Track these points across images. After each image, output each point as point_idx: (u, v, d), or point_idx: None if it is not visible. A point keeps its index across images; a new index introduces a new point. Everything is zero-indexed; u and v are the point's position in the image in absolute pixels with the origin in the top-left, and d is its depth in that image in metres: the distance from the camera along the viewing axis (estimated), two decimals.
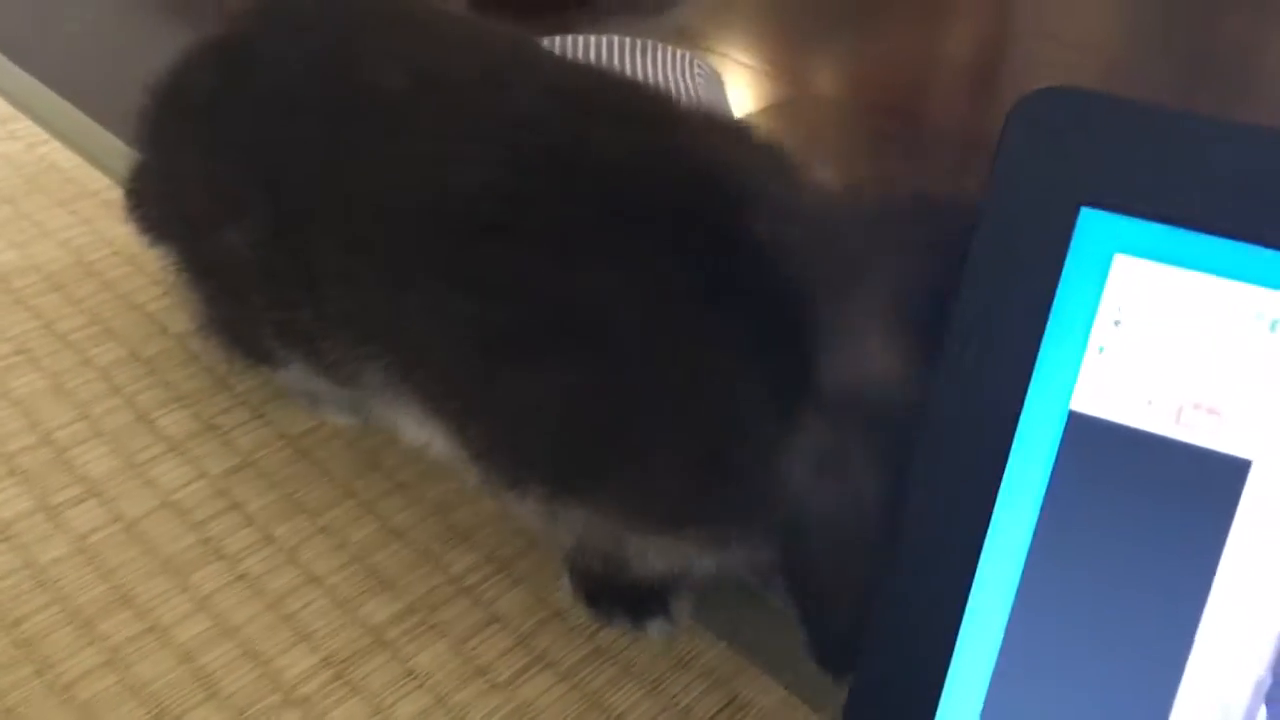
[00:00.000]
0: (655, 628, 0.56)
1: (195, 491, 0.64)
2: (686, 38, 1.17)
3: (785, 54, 1.20)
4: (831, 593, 0.45)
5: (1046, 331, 0.35)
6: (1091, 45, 1.21)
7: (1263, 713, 0.33)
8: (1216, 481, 0.34)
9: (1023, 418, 0.35)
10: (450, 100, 0.54)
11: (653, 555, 0.53)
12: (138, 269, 0.79)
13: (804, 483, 0.43)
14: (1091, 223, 0.34)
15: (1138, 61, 1.18)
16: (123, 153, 0.91)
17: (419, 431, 0.58)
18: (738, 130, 0.55)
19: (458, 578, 0.59)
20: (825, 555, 0.44)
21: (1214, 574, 0.34)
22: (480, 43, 0.59)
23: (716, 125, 0.54)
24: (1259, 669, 0.33)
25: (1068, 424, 0.35)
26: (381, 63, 0.56)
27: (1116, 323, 0.34)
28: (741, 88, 1.08)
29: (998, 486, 0.36)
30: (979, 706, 0.36)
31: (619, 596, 0.57)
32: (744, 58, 1.14)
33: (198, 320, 0.68)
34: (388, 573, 0.60)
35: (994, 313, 0.35)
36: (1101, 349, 0.34)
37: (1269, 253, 0.33)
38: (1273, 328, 0.33)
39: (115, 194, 0.87)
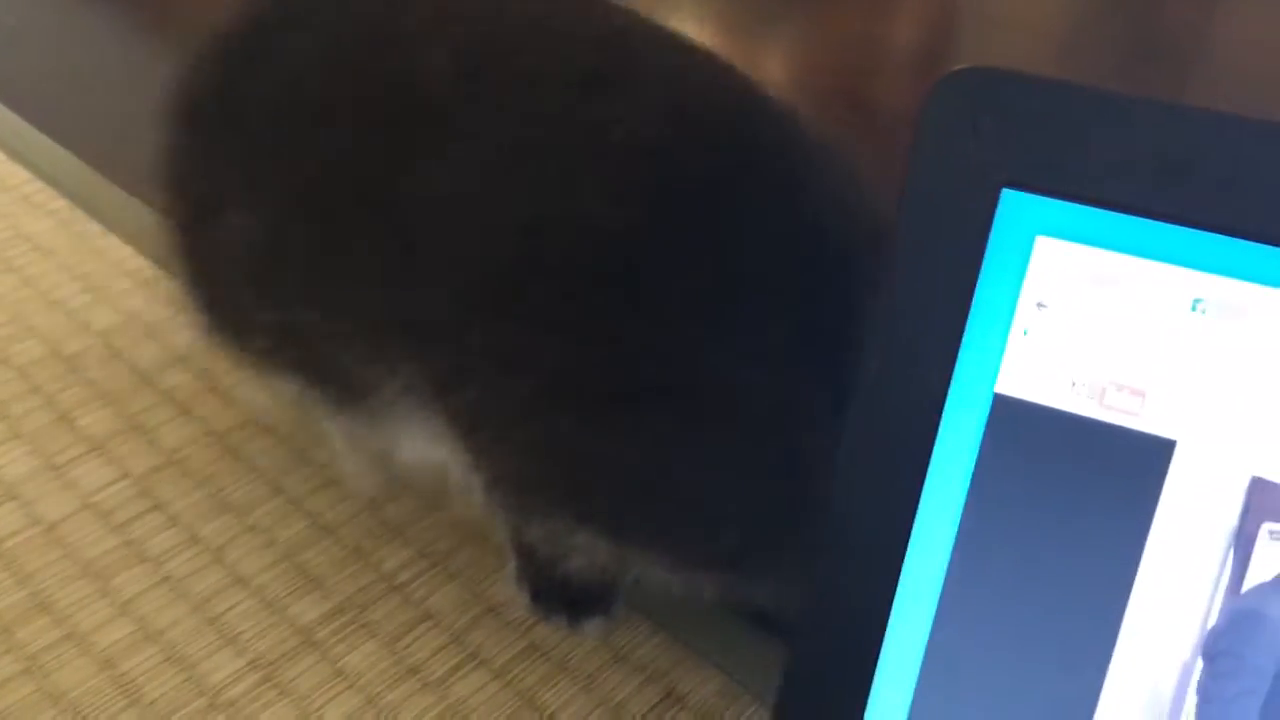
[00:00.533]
0: (592, 627, 0.55)
1: (117, 492, 0.62)
2: None
3: (730, 41, 1.19)
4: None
5: (970, 315, 0.34)
6: (1039, 29, 1.21)
7: (1191, 697, 0.33)
8: (1141, 462, 0.33)
9: (948, 402, 0.35)
10: (527, 96, 0.46)
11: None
12: (58, 264, 0.77)
13: None
14: (1013, 204, 0.34)
15: (1084, 45, 1.18)
16: (44, 147, 0.89)
17: (426, 450, 0.52)
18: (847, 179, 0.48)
19: (389, 575, 0.58)
20: None
21: (1140, 556, 0.33)
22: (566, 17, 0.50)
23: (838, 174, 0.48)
24: (1186, 652, 0.33)
25: (993, 407, 0.34)
26: (435, 42, 0.48)
27: (1040, 305, 0.34)
28: None
29: (925, 471, 0.35)
30: (910, 693, 0.36)
31: (562, 593, 0.56)
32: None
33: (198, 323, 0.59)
34: (317, 571, 0.58)
35: (918, 297, 0.35)
36: (1025, 331, 0.34)
37: (1191, 233, 0.32)
38: (1194, 307, 0.32)
39: (34, 188, 0.85)
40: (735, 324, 0.44)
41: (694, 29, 1.21)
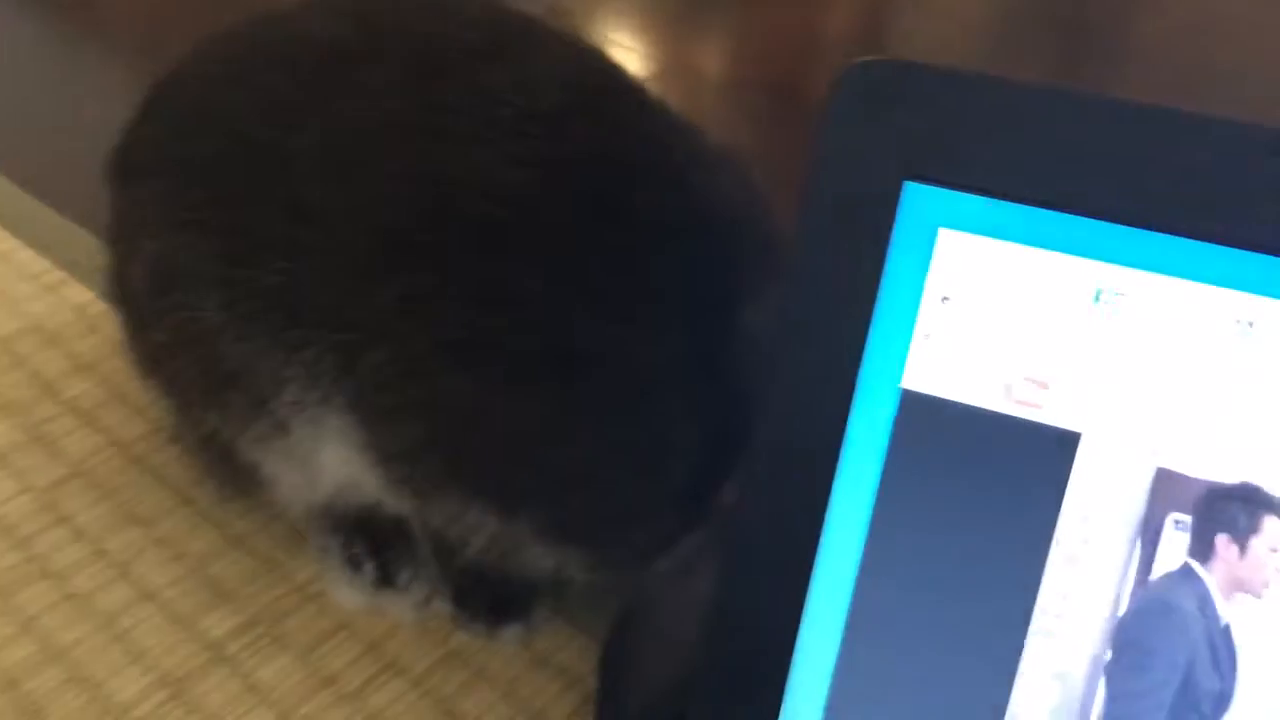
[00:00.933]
0: (509, 634, 0.54)
1: (20, 506, 0.60)
2: (559, 16, 1.15)
3: (660, 33, 1.19)
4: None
5: (875, 309, 0.34)
6: (971, 20, 1.22)
7: (1102, 685, 0.33)
8: (1048, 455, 0.33)
9: (856, 397, 0.34)
10: (453, 72, 0.48)
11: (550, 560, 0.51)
12: None
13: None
14: (915, 197, 0.33)
15: (1016, 35, 1.19)
16: None
17: (338, 449, 0.51)
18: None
19: (303, 585, 0.57)
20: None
21: (1048, 548, 0.33)
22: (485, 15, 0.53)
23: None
24: (1095, 641, 0.33)
25: (900, 403, 0.34)
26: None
27: (944, 299, 0.33)
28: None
29: (834, 469, 0.35)
30: (824, 693, 0.35)
31: (480, 598, 0.55)
32: (619, 37, 1.12)
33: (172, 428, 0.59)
34: (227, 584, 0.57)
35: (821, 292, 0.34)
36: (930, 326, 0.34)
37: (1092, 223, 0.32)
38: (1096, 299, 0.32)
39: None
40: (621, 292, 0.45)
41: (626, 18, 1.20)
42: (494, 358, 0.46)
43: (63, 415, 0.65)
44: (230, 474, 0.56)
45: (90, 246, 0.74)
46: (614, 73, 0.52)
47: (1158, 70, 1.10)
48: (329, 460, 0.52)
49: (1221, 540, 0.32)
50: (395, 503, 0.53)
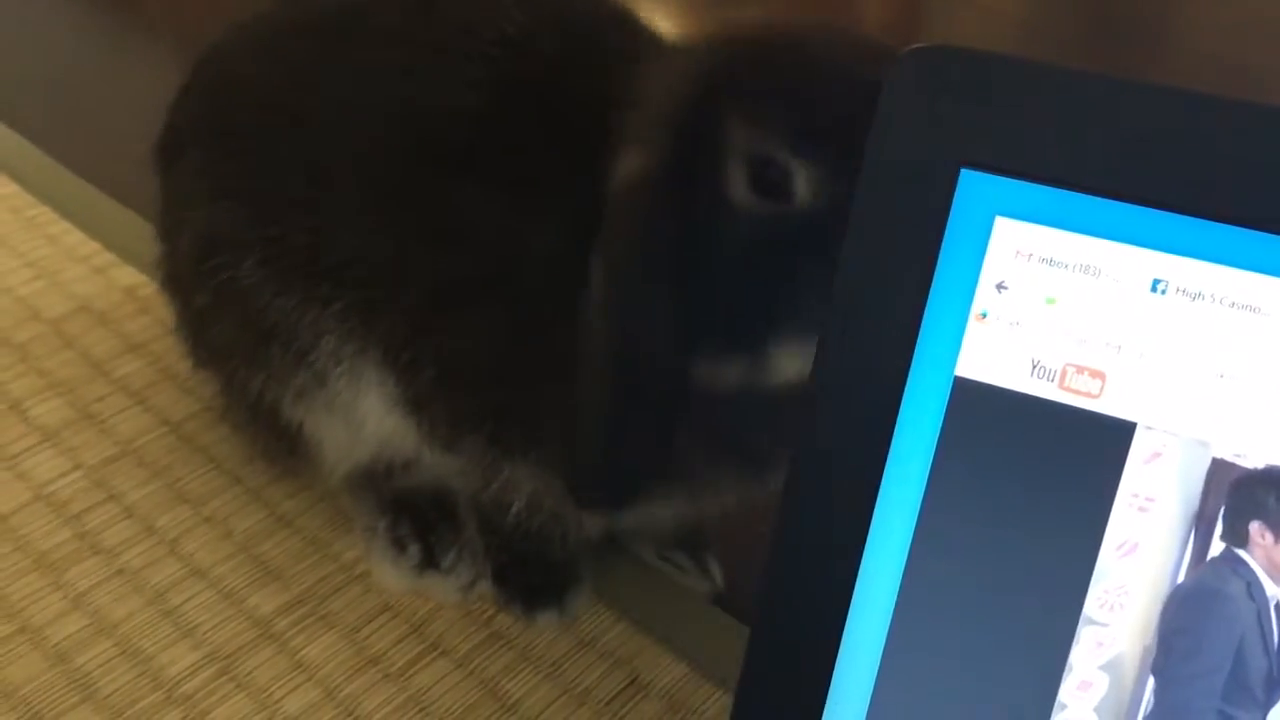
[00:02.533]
0: (545, 618, 0.55)
1: (71, 483, 0.61)
2: None
3: (697, 18, 1.18)
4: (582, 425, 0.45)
5: (930, 296, 0.34)
6: (1008, 12, 1.21)
7: (1150, 681, 0.33)
8: (1102, 445, 0.33)
9: (908, 385, 0.34)
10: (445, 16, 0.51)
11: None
12: (8, 251, 0.75)
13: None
14: (972, 184, 0.33)
15: (1053, 28, 1.18)
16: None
17: (375, 401, 0.53)
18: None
19: (349, 565, 0.58)
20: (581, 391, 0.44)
21: (1101, 538, 0.33)
22: None
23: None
24: (1147, 631, 0.33)
25: (953, 390, 0.34)
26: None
27: (1000, 286, 0.33)
28: None
29: (885, 455, 0.35)
30: (871, 680, 0.35)
31: (520, 581, 0.56)
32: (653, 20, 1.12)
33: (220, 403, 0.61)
34: (275, 563, 0.57)
35: (877, 278, 0.34)
36: (985, 313, 0.34)
37: (1150, 213, 0.32)
38: (1154, 288, 0.32)
39: None
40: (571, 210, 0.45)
41: (662, 4, 1.20)
42: (466, 293, 0.48)
43: (113, 394, 0.66)
44: (276, 439, 0.57)
45: (139, 229, 0.75)
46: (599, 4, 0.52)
47: (1190, 62, 1.09)
48: (368, 412, 0.53)
49: (1261, 526, 0.32)
50: (430, 457, 0.54)
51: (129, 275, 0.74)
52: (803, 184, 0.41)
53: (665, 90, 0.44)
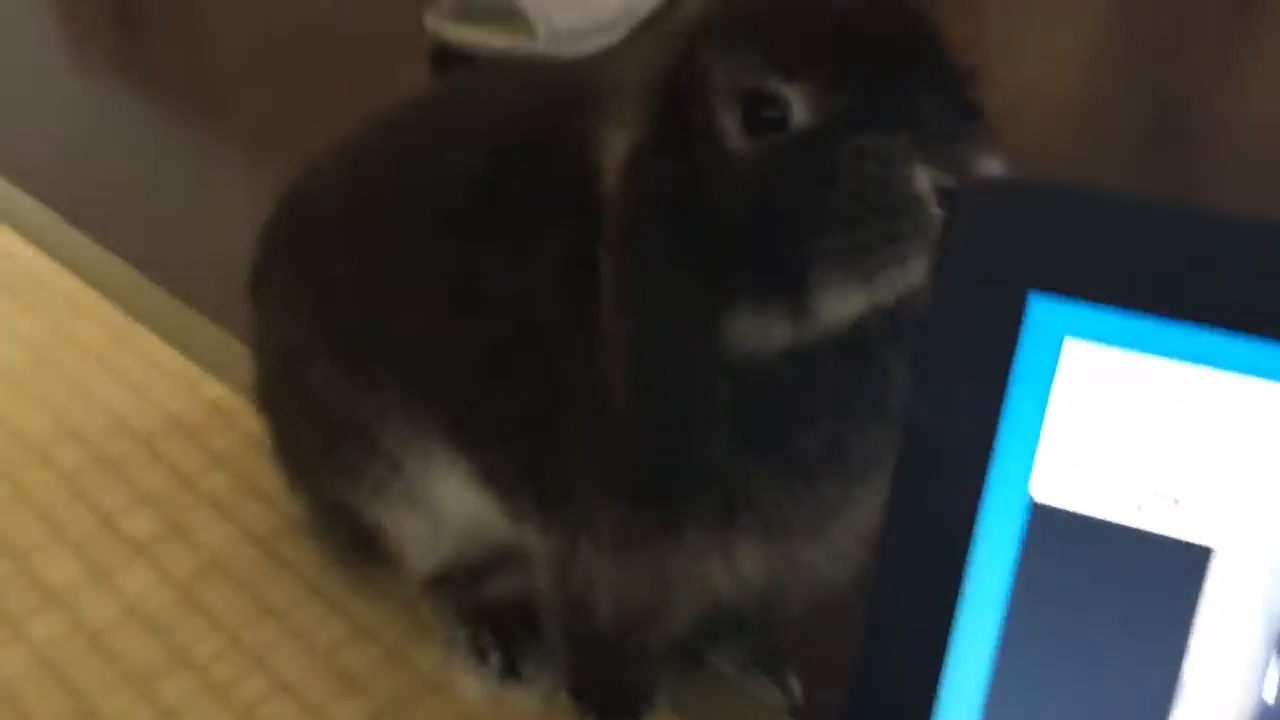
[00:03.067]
0: None
1: (160, 596, 0.62)
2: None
3: None
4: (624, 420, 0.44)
5: (1002, 420, 0.34)
6: (1058, 105, 1.21)
7: None
8: (1180, 568, 0.33)
9: (983, 508, 0.35)
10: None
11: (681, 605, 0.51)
12: (101, 367, 0.78)
13: None
14: (1041, 308, 0.34)
15: (1102, 120, 1.18)
16: (90, 251, 0.91)
17: (461, 492, 0.54)
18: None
19: (428, 675, 0.58)
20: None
21: (1182, 662, 0.33)
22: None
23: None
24: None
25: (1029, 514, 0.34)
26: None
27: (1072, 408, 0.34)
28: None
29: (962, 580, 0.35)
30: None
31: (597, 693, 0.56)
32: None
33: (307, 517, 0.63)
34: (357, 673, 0.58)
35: (949, 402, 0.35)
36: (1058, 436, 0.34)
37: (1220, 335, 0.32)
38: (1226, 410, 0.32)
39: (82, 294, 0.86)
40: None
41: None
42: (500, 352, 0.49)
43: (201, 507, 0.68)
44: (358, 543, 0.59)
45: (224, 343, 0.78)
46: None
47: (1244, 156, 1.09)
48: (445, 497, 0.55)
49: None
50: (516, 537, 0.54)
51: (215, 389, 0.76)
52: (799, 107, 0.40)
53: (641, 69, 0.44)
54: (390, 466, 0.55)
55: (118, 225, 0.95)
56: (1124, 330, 0.33)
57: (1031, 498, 0.34)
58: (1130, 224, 0.33)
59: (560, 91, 0.52)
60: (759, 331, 0.42)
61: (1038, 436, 0.34)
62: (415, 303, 0.51)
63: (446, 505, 0.55)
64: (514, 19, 1.18)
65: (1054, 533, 0.34)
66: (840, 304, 0.41)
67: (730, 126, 0.42)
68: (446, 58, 1.20)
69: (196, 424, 0.73)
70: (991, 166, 0.41)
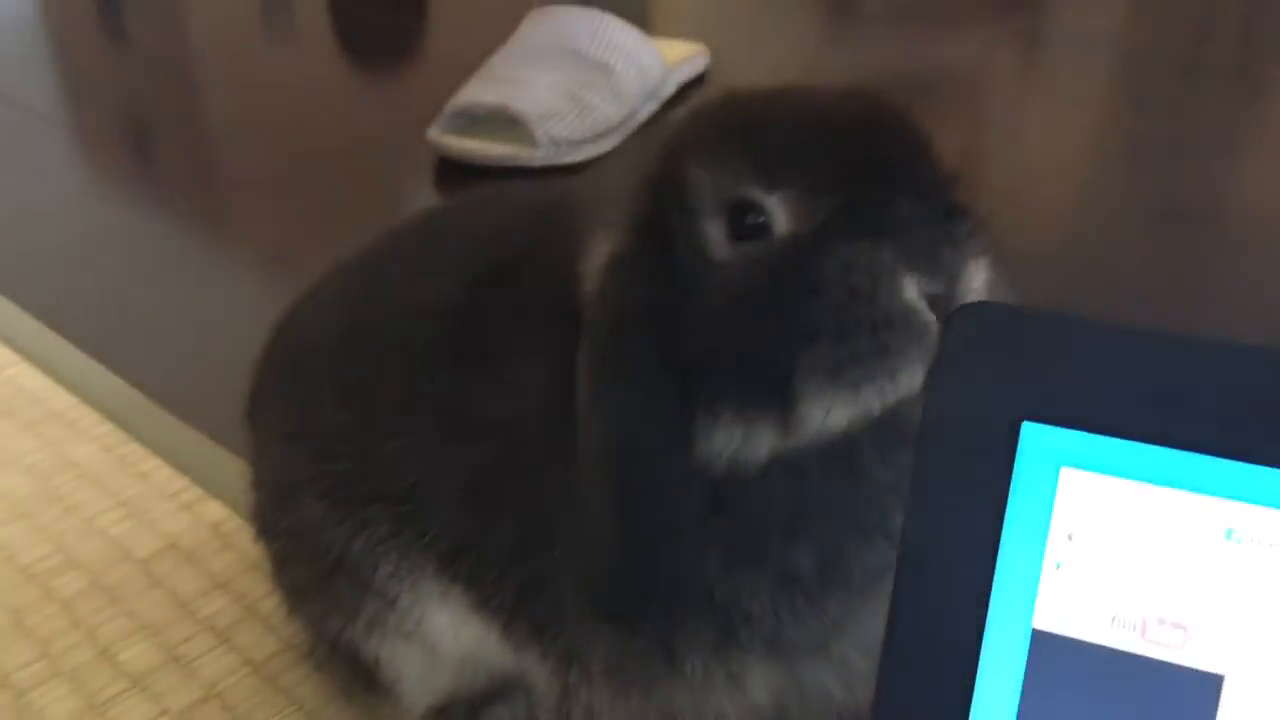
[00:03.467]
0: None
1: None
2: None
3: None
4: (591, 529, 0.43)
5: (1000, 550, 0.34)
6: (1059, 194, 1.22)
7: None
8: (1191, 697, 0.32)
9: (986, 638, 0.34)
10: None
11: None
12: (101, 491, 0.78)
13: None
14: (1035, 436, 0.34)
15: (1106, 208, 1.18)
16: (89, 370, 0.92)
17: (447, 620, 0.54)
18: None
19: None
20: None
21: None
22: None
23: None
24: None
25: (1032, 643, 0.34)
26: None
27: (1070, 537, 0.33)
28: None
29: (967, 712, 0.34)
30: None
31: None
32: None
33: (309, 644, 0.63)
34: None
35: (945, 533, 0.34)
36: (1059, 565, 0.33)
37: (1218, 461, 0.32)
38: (1229, 536, 0.32)
39: (79, 413, 0.86)
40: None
41: None
42: (480, 478, 0.48)
43: (200, 634, 0.67)
44: (356, 677, 0.58)
45: (224, 463, 0.78)
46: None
47: (1251, 240, 1.09)
48: (441, 630, 0.54)
49: None
50: (516, 666, 0.53)
51: (215, 510, 0.76)
52: (783, 215, 0.41)
53: (625, 182, 0.45)
54: (384, 603, 0.54)
55: (111, 342, 0.96)
56: (1121, 458, 0.33)
57: (1034, 627, 0.33)
58: (1124, 351, 0.33)
59: (544, 210, 0.52)
60: (744, 441, 0.42)
61: (1039, 565, 0.33)
62: (404, 436, 0.51)
63: (443, 638, 0.54)
64: (514, 129, 1.20)
65: (1060, 661, 0.33)
66: (828, 414, 0.41)
67: (714, 235, 0.42)
68: (450, 168, 1.22)
69: (195, 546, 0.73)
70: (980, 270, 0.41)
